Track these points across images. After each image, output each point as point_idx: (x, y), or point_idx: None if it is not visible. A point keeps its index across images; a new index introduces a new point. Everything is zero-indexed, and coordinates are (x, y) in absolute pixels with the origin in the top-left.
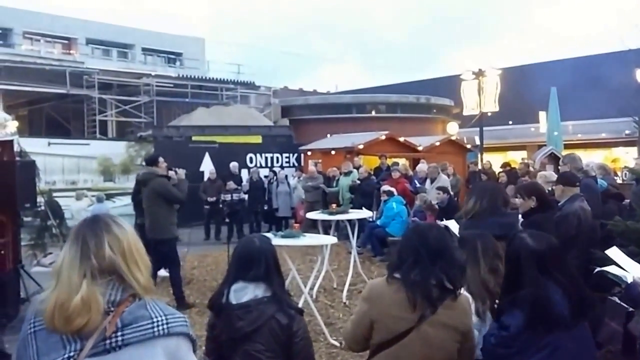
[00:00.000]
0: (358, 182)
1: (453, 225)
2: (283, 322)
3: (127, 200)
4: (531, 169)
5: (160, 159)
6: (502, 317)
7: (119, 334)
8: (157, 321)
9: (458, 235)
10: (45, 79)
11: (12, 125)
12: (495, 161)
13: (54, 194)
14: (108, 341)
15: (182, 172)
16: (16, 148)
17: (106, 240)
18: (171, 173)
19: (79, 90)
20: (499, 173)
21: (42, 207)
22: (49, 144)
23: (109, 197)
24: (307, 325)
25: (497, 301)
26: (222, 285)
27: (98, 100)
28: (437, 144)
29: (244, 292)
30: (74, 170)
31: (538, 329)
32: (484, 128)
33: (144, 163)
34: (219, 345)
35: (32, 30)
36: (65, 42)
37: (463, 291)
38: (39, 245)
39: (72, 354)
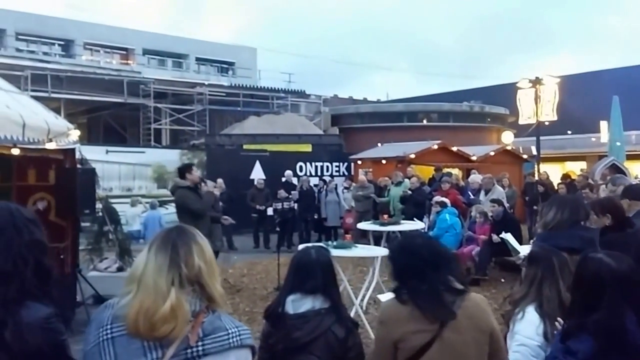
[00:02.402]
0: (409, 192)
1: (511, 239)
2: (340, 335)
3: None
4: (590, 181)
5: (194, 168)
6: (568, 342)
7: (200, 343)
8: (232, 333)
9: (517, 248)
10: (104, 88)
11: (75, 133)
12: (553, 172)
13: (110, 200)
14: (189, 350)
15: (210, 185)
16: (77, 155)
17: (194, 248)
18: (213, 183)
19: (135, 99)
20: (558, 185)
21: (100, 213)
22: (107, 151)
23: (162, 203)
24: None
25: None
26: (280, 295)
27: (153, 109)
28: (492, 153)
29: (302, 303)
30: (130, 177)
31: (609, 358)
32: (541, 138)
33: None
34: (273, 356)
35: (92, 41)
36: (123, 52)
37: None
38: (96, 250)
39: None
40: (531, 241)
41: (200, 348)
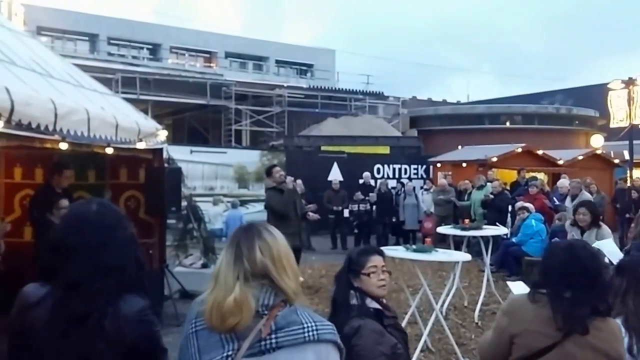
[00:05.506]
0: (491, 196)
1: (607, 247)
2: (345, 333)
3: (260, 207)
4: None
5: (274, 169)
6: None
7: (273, 336)
8: (308, 327)
9: (612, 259)
10: (189, 91)
11: (163, 134)
12: None
13: (194, 199)
14: (263, 343)
15: (289, 180)
16: (165, 155)
17: (257, 245)
18: (291, 178)
19: (217, 101)
20: None
21: (185, 211)
22: (191, 151)
23: (243, 203)
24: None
25: None
26: None
27: (234, 111)
28: (580, 158)
29: None
30: (212, 177)
31: None
32: (635, 141)
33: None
34: None
35: (178, 45)
36: (207, 55)
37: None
38: (182, 246)
39: (230, 352)
40: (624, 250)
41: (273, 341)
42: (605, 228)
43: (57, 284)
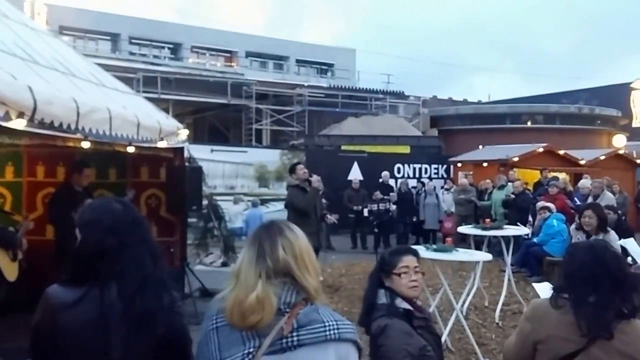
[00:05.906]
0: (513, 196)
1: (632, 245)
2: (372, 332)
3: (280, 205)
4: None
5: (298, 167)
6: None
7: (295, 334)
8: (329, 325)
9: (636, 257)
10: (209, 90)
11: (184, 133)
12: None
13: (215, 198)
14: (284, 340)
15: (315, 179)
16: (186, 154)
17: (280, 242)
18: (317, 177)
19: (238, 100)
20: None
21: (206, 210)
22: (212, 150)
23: (264, 202)
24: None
25: None
26: None
27: (255, 110)
28: (602, 157)
29: None
30: (233, 176)
31: None
32: None
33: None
34: None
35: (199, 44)
36: (228, 55)
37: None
38: (202, 245)
39: (251, 350)
40: None
41: (295, 339)
42: (612, 234)
43: (97, 284)
